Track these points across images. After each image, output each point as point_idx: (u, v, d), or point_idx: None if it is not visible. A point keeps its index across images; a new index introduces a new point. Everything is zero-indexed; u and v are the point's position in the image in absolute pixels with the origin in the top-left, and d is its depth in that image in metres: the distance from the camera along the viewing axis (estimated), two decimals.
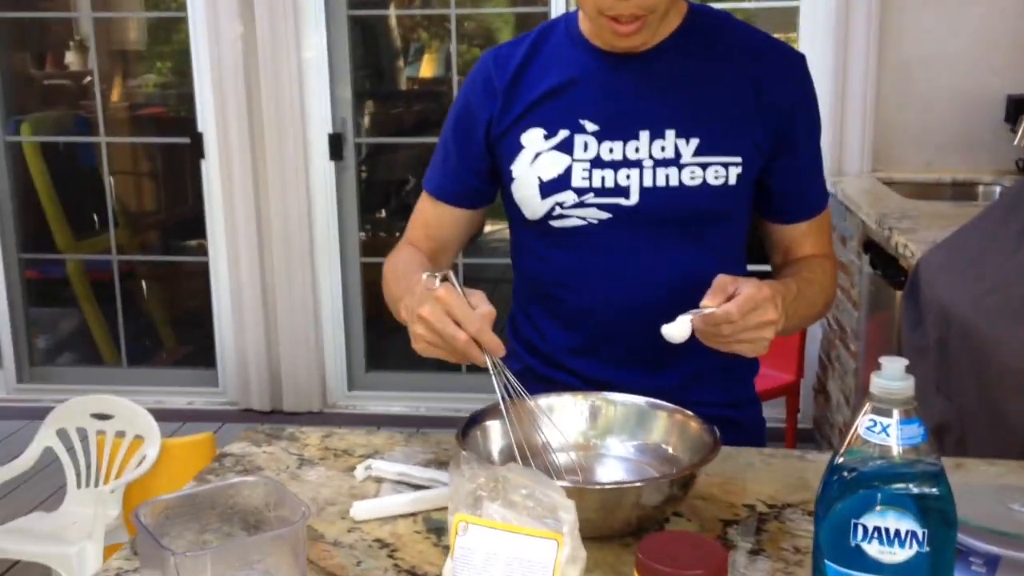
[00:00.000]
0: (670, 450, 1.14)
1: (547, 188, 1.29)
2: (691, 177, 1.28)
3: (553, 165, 1.29)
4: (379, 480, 1.19)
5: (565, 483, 0.97)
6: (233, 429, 3.93)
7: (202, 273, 4.05)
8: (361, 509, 1.09)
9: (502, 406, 1.12)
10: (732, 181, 1.29)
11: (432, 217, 1.41)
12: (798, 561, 1.01)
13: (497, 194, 1.40)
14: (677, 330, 1.14)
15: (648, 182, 1.28)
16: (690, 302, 1.16)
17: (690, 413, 1.14)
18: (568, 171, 1.28)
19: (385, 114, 4.50)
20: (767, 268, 1.46)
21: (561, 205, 1.29)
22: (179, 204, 4.61)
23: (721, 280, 1.16)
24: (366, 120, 4.28)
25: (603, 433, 1.19)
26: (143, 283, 4.57)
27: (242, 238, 3.85)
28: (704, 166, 1.28)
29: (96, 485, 2.68)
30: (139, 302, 4.56)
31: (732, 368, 1.38)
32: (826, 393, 3.53)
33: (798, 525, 1.09)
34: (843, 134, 3.41)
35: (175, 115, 4.41)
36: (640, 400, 1.19)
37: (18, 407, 4.11)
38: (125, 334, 4.30)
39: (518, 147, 1.30)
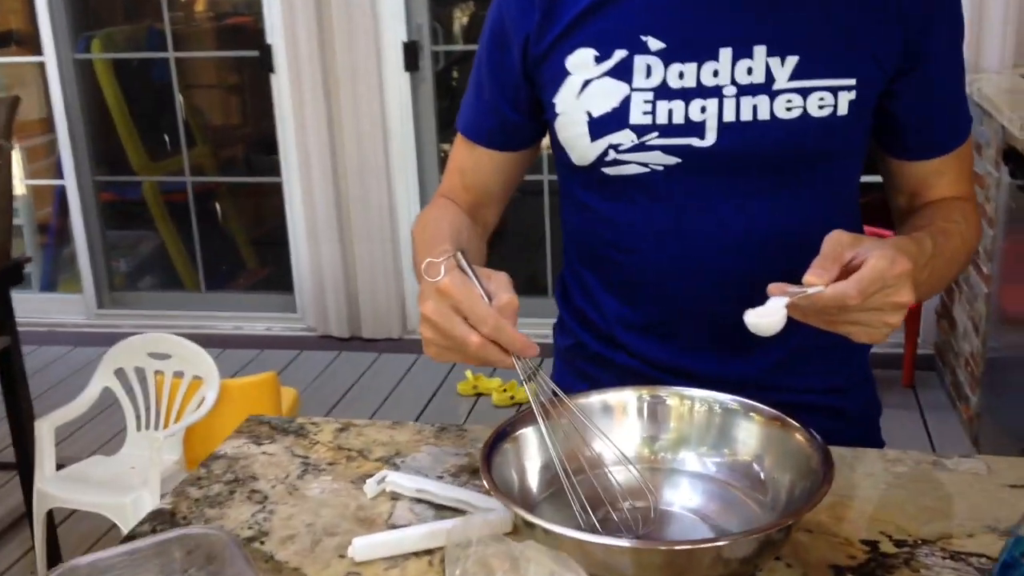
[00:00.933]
0: (763, 473, 0.87)
1: (599, 126, 1.00)
2: (787, 107, 0.97)
3: (606, 96, 0.99)
4: (395, 497, 0.96)
5: (617, 541, 0.71)
6: (311, 356, 3.80)
7: (279, 192, 3.88)
8: (362, 547, 0.85)
9: (540, 421, 0.86)
10: (842, 110, 0.98)
11: (468, 163, 1.13)
12: None
13: (545, 131, 1.11)
14: (766, 318, 0.85)
15: (730, 116, 0.97)
16: (785, 269, 0.87)
17: (796, 424, 0.86)
18: (625, 104, 0.99)
19: (465, 19, 4.18)
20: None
21: (616, 148, 1.00)
22: (255, 121, 4.42)
23: (835, 243, 0.86)
24: (444, 26, 3.98)
25: (675, 443, 0.92)
26: (218, 204, 4.42)
27: (314, 156, 3.64)
28: (805, 92, 0.97)
29: (156, 428, 2.56)
30: (217, 223, 4.43)
31: (840, 344, 1.09)
32: (951, 318, 3.16)
33: (938, 574, 0.81)
34: (981, 23, 2.94)
35: (247, 26, 4.19)
36: (725, 399, 0.91)
37: (100, 333, 4.05)
38: (203, 257, 4.18)
39: (562, 73, 1.01)
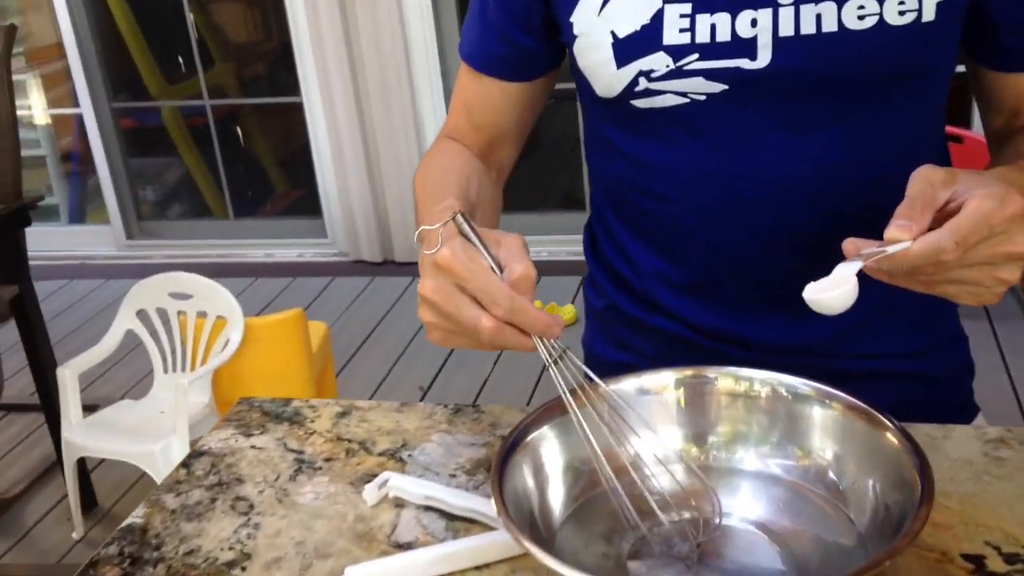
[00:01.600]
0: (841, 481, 0.70)
1: (626, 49, 0.81)
2: (859, 15, 0.77)
3: (634, 11, 0.80)
4: (399, 504, 0.81)
5: None
6: (344, 283, 3.67)
7: (301, 111, 3.70)
8: None
9: (572, 413, 0.70)
10: (928, 15, 0.78)
11: (476, 97, 0.95)
12: None
13: (564, 56, 0.92)
14: (830, 293, 0.67)
15: (787, 29, 0.78)
16: (856, 216, 0.69)
17: (886, 421, 0.69)
18: (658, 20, 0.80)
19: None
20: None
21: (648, 75, 0.81)
22: (277, 35, 4.22)
23: (924, 182, 0.67)
24: None
25: (730, 437, 0.76)
26: (240, 127, 4.26)
27: (333, 73, 3.45)
28: None
29: (183, 369, 2.46)
30: (240, 145, 4.28)
31: (922, 300, 0.91)
32: None
33: None
34: None
35: None
36: (794, 382, 0.75)
37: (131, 265, 3.97)
38: (229, 182, 4.05)
39: None
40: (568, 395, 0.70)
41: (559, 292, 3.34)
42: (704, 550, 0.69)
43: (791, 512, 0.71)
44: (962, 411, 0.97)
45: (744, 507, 0.72)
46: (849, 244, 0.68)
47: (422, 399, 2.92)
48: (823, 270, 0.70)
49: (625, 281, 0.95)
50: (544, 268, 3.81)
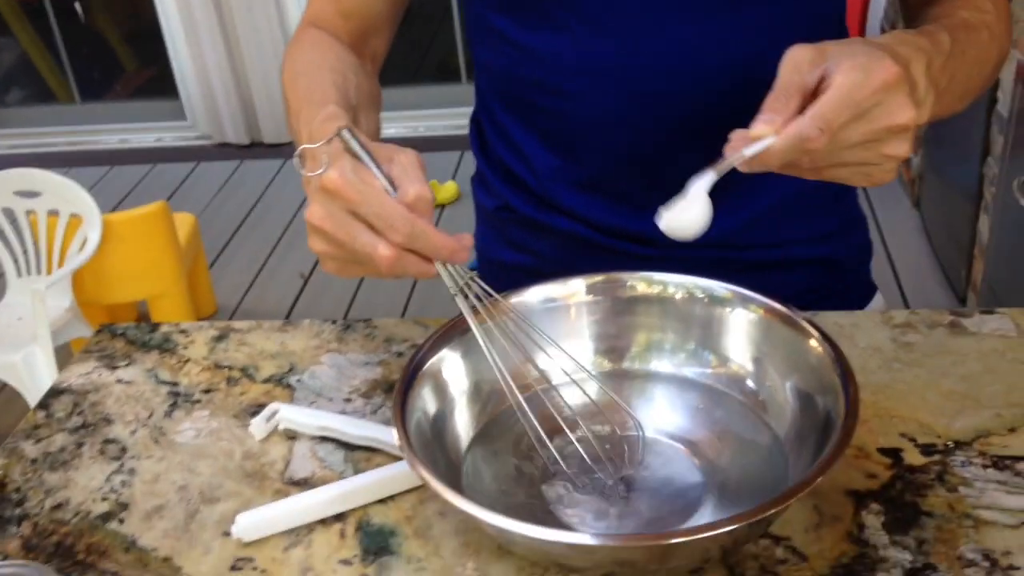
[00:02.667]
0: (760, 390, 0.67)
1: None
2: None
3: None
4: (291, 436, 0.75)
5: (576, 538, 0.52)
6: (210, 168, 3.47)
7: None
8: (249, 526, 0.65)
9: (476, 334, 0.64)
10: None
11: None
12: None
13: None
14: (680, 216, 0.63)
15: None
16: (759, 105, 0.64)
17: (805, 324, 0.66)
18: None
19: None
20: None
21: None
22: None
23: (792, 65, 0.61)
24: None
25: (645, 346, 0.71)
26: (77, 1, 3.90)
27: None
28: None
29: (39, 272, 2.28)
30: (81, 22, 3.92)
31: (823, 184, 0.87)
32: None
33: (986, 493, 0.65)
34: None
35: None
36: (711, 285, 0.70)
37: None
38: (72, 62, 3.73)
39: None
40: (478, 328, 0.64)
41: (439, 169, 3.24)
42: (621, 467, 0.65)
43: (709, 421, 0.67)
44: (864, 292, 0.96)
45: (661, 418, 0.69)
46: (729, 146, 0.63)
47: (303, 287, 2.82)
48: (731, 169, 0.65)
49: (519, 180, 0.88)
50: (422, 144, 3.71)
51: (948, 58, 0.69)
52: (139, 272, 2.38)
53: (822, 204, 0.88)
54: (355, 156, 0.61)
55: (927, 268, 2.61)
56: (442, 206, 3.06)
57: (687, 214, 0.63)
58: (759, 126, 0.61)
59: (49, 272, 2.26)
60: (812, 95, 0.61)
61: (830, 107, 0.59)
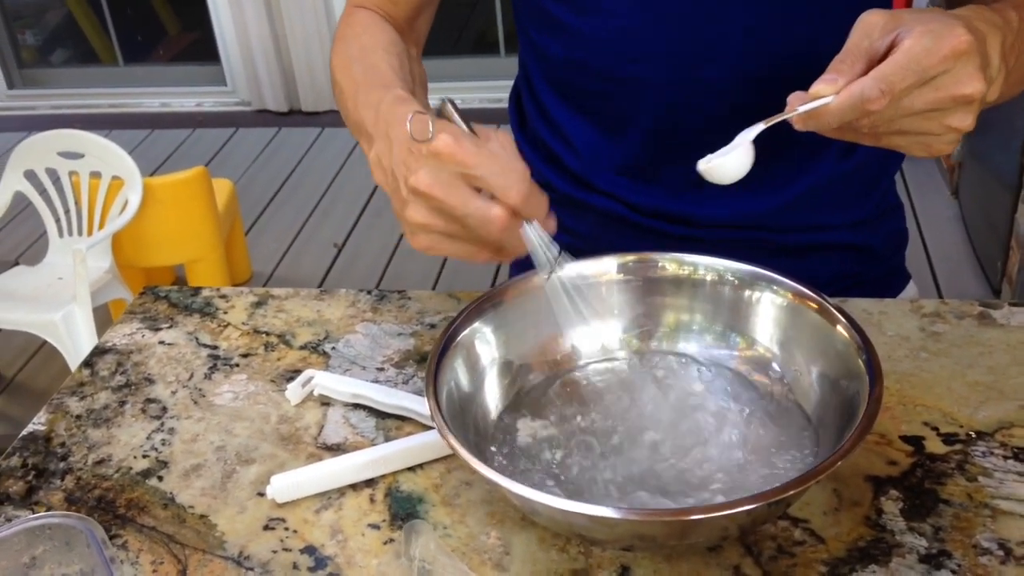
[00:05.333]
0: (786, 373, 0.68)
1: None
2: None
3: None
4: (325, 403, 0.77)
5: (597, 511, 0.54)
6: (248, 134, 3.51)
7: None
8: (284, 488, 0.68)
9: (560, 297, 0.66)
10: None
11: None
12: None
13: None
14: (721, 159, 0.64)
15: None
16: (811, 82, 0.64)
17: (834, 311, 0.66)
18: None
19: None
20: None
21: None
22: None
23: (863, 29, 0.61)
24: None
25: (673, 327, 0.73)
26: None
27: None
28: None
29: (80, 233, 2.33)
30: None
31: (865, 167, 0.87)
32: None
33: (1005, 484, 0.66)
34: None
35: None
36: (741, 268, 0.71)
37: (14, 116, 3.71)
38: (115, 24, 3.77)
39: None
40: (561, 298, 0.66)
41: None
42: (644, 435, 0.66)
43: (735, 403, 0.68)
44: (897, 280, 0.96)
45: (689, 399, 0.70)
46: (793, 97, 0.63)
47: (337, 256, 2.85)
48: (771, 149, 0.66)
49: (558, 159, 0.89)
50: None
51: (1017, 37, 0.67)
52: (177, 236, 2.42)
53: (859, 190, 0.89)
54: (458, 124, 0.61)
55: (963, 258, 2.59)
56: None
57: (726, 159, 0.64)
58: (819, 85, 0.60)
59: (90, 233, 2.30)
60: (880, 61, 0.60)
61: (894, 69, 0.58)
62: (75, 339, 2.16)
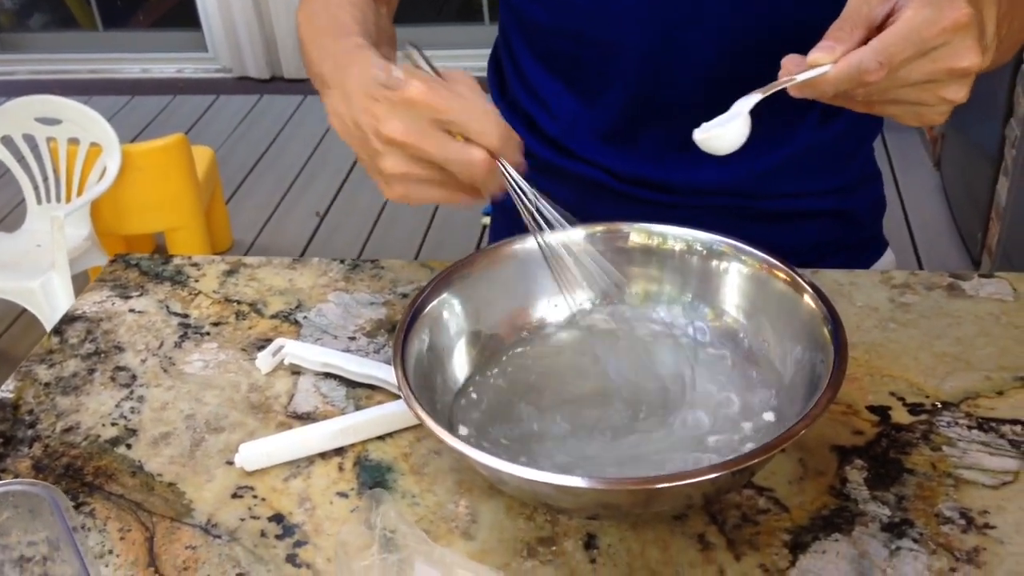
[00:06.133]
0: (749, 340, 0.69)
1: None
2: None
3: None
4: (296, 371, 0.77)
5: (562, 480, 0.54)
6: (230, 102, 3.48)
7: None
8: (252, 456, 0.68)
9: (542, 248, 0.66)
10: None
11: None
12: (981, 548, 0.59)
13: None
14: (717, 129, 0.63)
15: None
16: (797, 40, 0.64)
17: (802, 282, 0.67)
18: None
19: None
20: None
21: None
22: None
23: None
24: None
25: (642, 297, 0.73)
26: None
27: None
28: None
29: (58, 200, 2.31)
30: None
31: (847, 135, 0.88)
32: None
33: (969, 453, 0.66)
34: None
35: None
36: (712, 240, 0.71)
37: None
38: None
39: None
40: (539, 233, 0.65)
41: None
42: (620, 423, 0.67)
43: (703, 373, 0.69)
44: (876, 247, 0.97)
45: (657, 369, 0.70)
46: (788, 61, 0.63)
47: (319, 225, 2.84)
48: (752, 117, 0.65)
49: (538, 125, 0.89)
50: None
51: (1011, 6, 0.66)
52: (156, 204, 2.40)
53: (839, 157, 0.89)
54: (429, 70, 0.61)
55: (943, 229, 2.60)
56: None
57: (723, 129, 0.63)
58: (817, 53, 0.60)
59: (68, 200, 2.29)
60: (878, 29, 0.59)
61: (894, 41, 0.57)
62: (54, 306, 2.15)
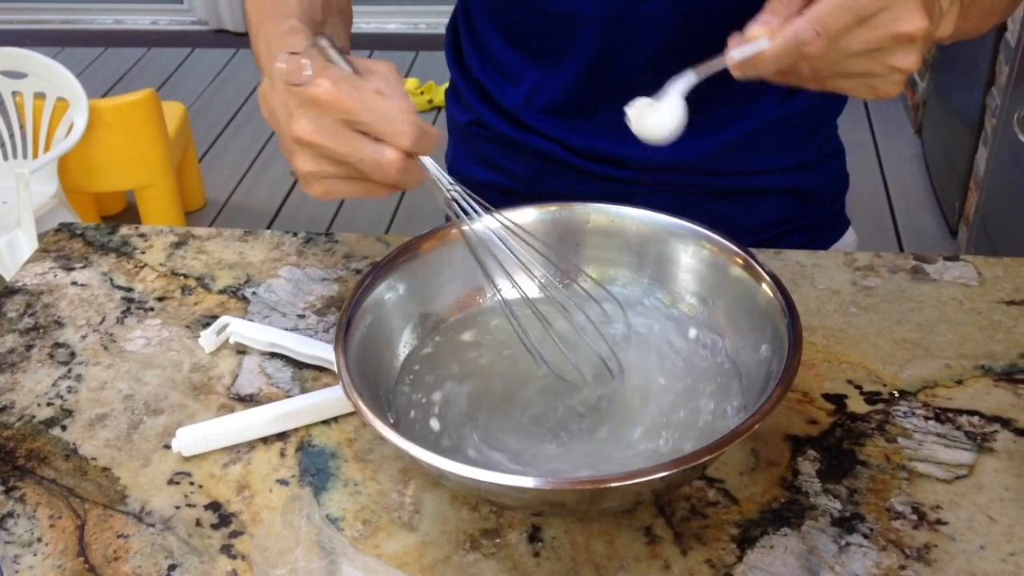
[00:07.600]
0: (707, 328, 0.67)
1: None
2: None
3: None
4: (241, 351, 0.75)
5: (506, 479, 0.52)
6: (205, 55, 3.41)
7: None
8: (190, 441, 0.66)
9: (466, 231, 0.64)
10: None
11: None
12: (932, 545, 0.58)
13: None
14: (652, 120, 0.61)
15: None
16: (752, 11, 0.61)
17: (755, 265, 0.65)
18: None
19: None
20: None
21: None
22: None
23: None
24: None
25: (598, 280, 0.71)
26: None
27: None
28: None
29: (24, 156, 2.26)
30: None
31: (808, 110, 0.85)
32: None
33: (924, 445, 0.65)
34: None
35: None
36: (669, 222, 0.69)
37: None
38: None
39: None
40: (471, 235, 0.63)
41: (438, 71, 3.18)
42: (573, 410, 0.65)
43: (657, 360, 0.67)
44: (837, 225, 0.95)
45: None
46: (732, 39, 0.60)
47: (294, 185, 2.79)
48: (711, 92, 0.63)
49: (493, 97, 0.86)
50: (422, 41, 3.62)
51: None
52: (126, 161, 2.35)
53: (801, 134, 0.86)
54: (341, 64, 0.58)
55: (922, 197, 2.58)
56: (439, 108, 3.02)
57: (657, 115, 0.61)
58: (754, 27, 0.58)
59: (35, 156, 2.24)
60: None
61: (829, 9, 0.55)
62: (19, 266, 2.11)
